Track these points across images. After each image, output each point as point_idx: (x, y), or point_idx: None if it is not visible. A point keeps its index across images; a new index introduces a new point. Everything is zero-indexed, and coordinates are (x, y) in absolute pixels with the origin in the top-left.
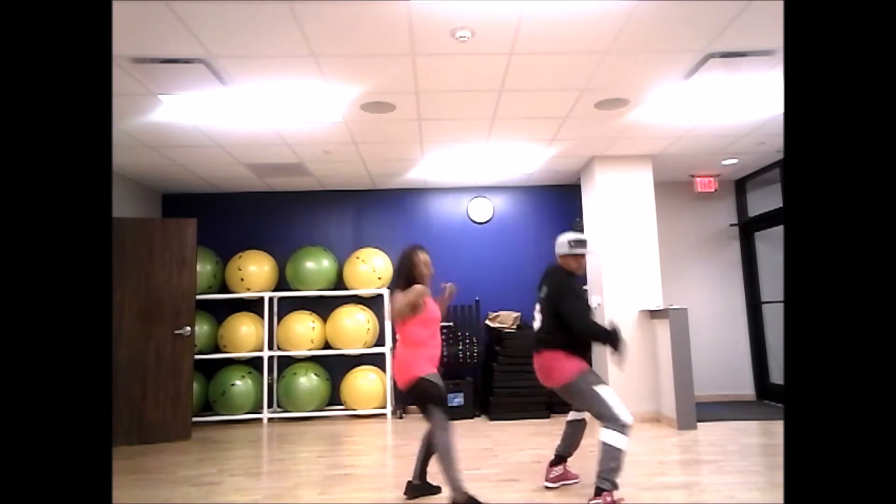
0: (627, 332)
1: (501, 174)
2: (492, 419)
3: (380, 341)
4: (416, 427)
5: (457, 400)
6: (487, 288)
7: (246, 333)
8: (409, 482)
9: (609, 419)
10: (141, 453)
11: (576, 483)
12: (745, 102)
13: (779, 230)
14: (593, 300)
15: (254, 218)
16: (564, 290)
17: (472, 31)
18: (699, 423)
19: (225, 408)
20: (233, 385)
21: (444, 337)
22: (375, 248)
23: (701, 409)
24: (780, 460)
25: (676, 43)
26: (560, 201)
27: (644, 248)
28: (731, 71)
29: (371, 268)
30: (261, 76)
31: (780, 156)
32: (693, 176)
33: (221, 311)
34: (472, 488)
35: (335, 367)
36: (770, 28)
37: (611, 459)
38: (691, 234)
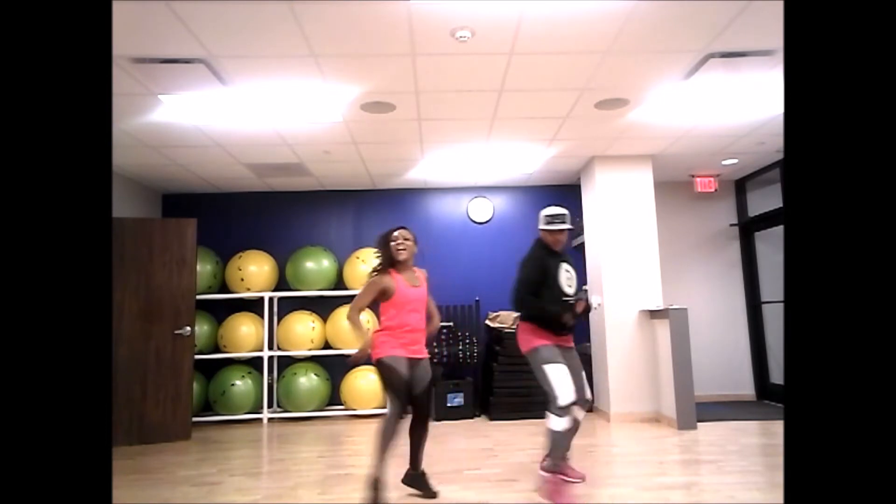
0: (627, 332)
1: (501, 174)
2: (492, 419)
3: None
4: None
5: (457, 400)
6: (487, 288)
7: (246, 333)
8: (406, 471)
9: (550, 399)
10: (141, 453)
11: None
12: (745, 102)
13: (779, 230)
14: (593, 300)
15: (254, 218)
16: (523, 262)
17: (472, 31)
18: (699, 423)
19: (225, 408)
20: (233, 385)
21: (443, 336)
22: (375, 248)
23: (701, 409)
24: (780, 460)
25: (676, 43)
26: (560, 201)
27: (644, 248)
28: (731, 71)
29: (371, 268)
30: (261, 76)
31: (780, 156)
32: (693, 176)
33: (221, 311)
34: (472, 488)
35: (335, 367)
36: (770, 28)
37: (549, 441)
38: (691, 234)
